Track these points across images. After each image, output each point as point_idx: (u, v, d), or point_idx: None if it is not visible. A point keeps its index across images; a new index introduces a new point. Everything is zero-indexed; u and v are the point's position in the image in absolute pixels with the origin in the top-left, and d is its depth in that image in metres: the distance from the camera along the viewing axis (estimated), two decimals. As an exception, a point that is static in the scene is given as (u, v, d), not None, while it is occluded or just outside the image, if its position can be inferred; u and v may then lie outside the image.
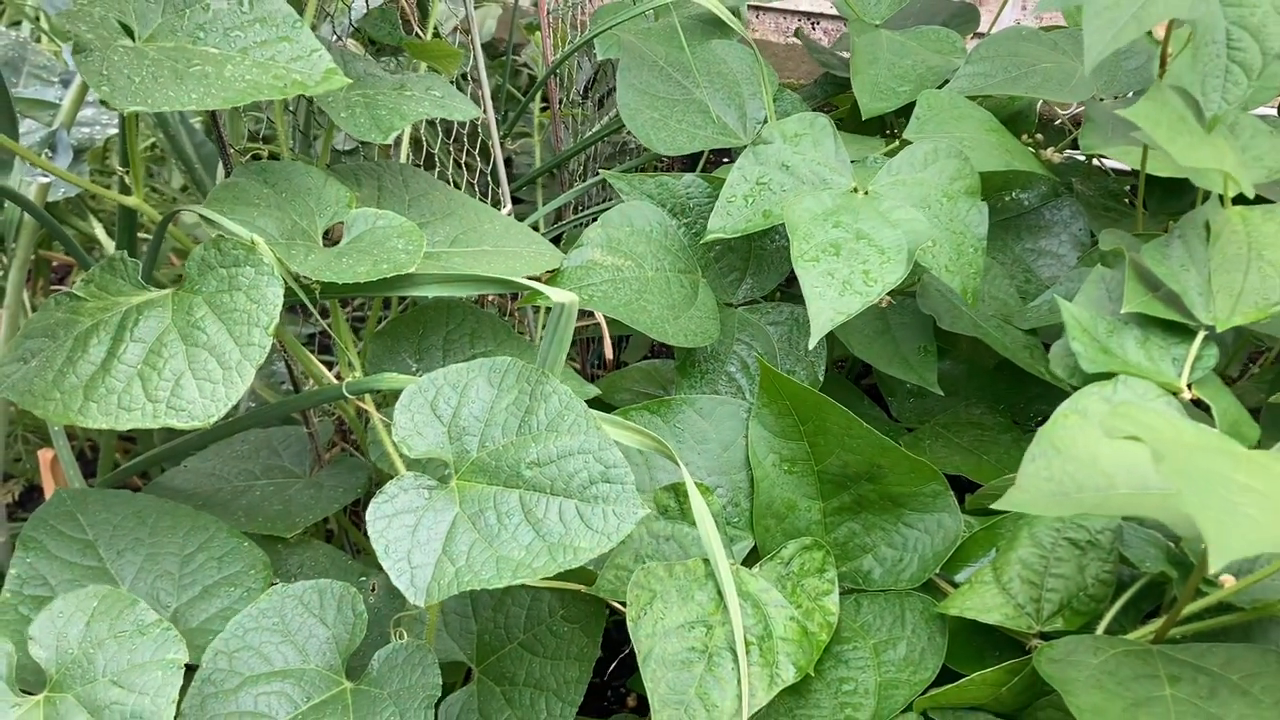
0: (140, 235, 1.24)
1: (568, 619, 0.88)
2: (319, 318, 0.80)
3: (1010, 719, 0.80)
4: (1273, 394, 0.98)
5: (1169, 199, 1.22)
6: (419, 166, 1.22)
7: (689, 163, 1.60)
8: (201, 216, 0.78)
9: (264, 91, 0.74)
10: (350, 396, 0.85)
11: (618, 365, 1.49)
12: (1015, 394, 1.19)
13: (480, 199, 1.33)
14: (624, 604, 0.80)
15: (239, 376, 0.73)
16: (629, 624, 0.77)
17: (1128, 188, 1.34)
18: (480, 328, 1.01)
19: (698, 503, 0.81)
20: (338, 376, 0.95)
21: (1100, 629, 0.80)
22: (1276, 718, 0.69)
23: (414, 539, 0.73)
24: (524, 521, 0.73)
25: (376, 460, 0.92)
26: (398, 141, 1.13)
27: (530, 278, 0.87)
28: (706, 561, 0.82)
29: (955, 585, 0.87)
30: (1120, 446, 0.67)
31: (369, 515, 0.73)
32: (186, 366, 0.73)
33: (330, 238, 0.87)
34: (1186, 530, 0.71)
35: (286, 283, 0.78)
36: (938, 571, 0.88)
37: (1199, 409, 0.87)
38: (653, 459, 0.94)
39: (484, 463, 0.76)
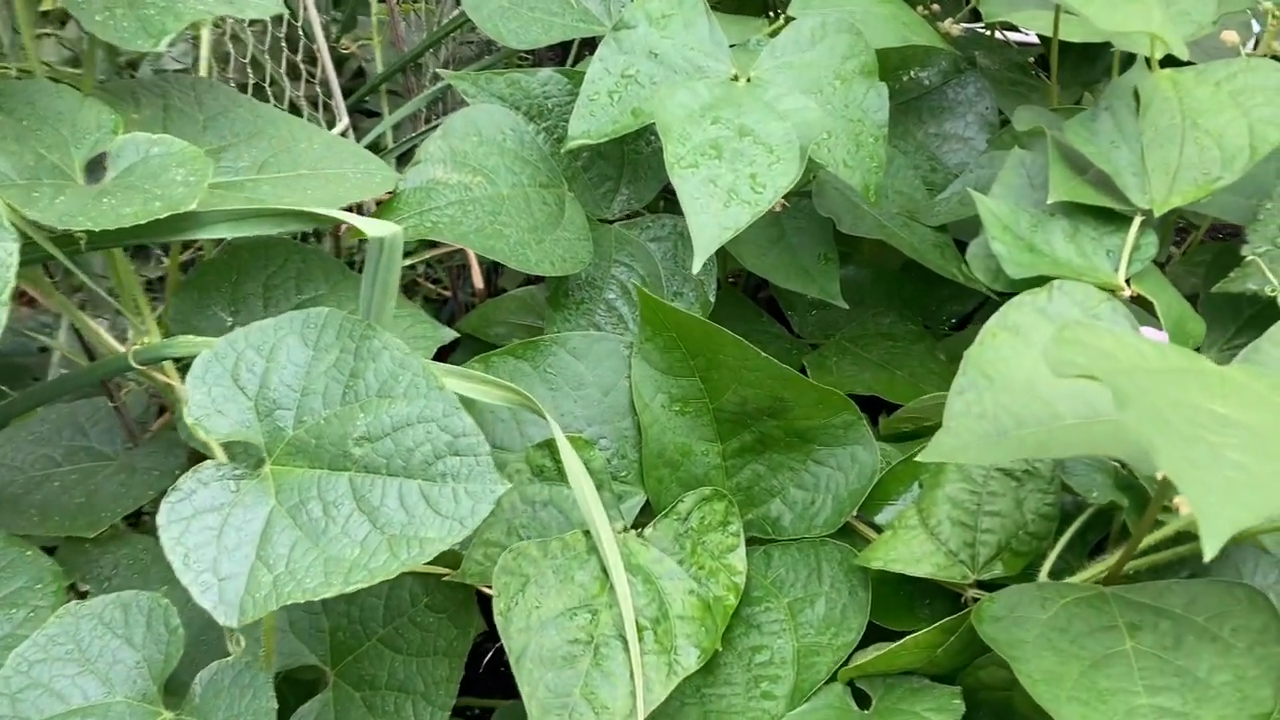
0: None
1: (433, 608, 0.75)
2: (82, 276, 0.64)
3: (948, 680, 0.70)
4: (1209, 278, 0.88)
5: (1082, 66, 1.10)
6: (232, 81, 1.05)
7: (559, 59, 1.44)
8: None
9: (-36, -11, 0.57)
10: (140, 367, 0.70)
11: (493, 293, 1.34)
12: (925, 296, 1.08)
13: (313, 114, 1.16)
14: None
15: (-32, 362, 0.58)
16: (497, 619, 0.65)
17: (1031, 59, 1.22)
18: (309, 268, 0.85)
19: (572, 462, 0.68)
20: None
21: (1044, 570, 0.69)
22: (1251, 664, 0.60)
23: (220, 544, 0.59)
24: (356, 511, 0.60)
25: (188, 439, 0.77)
26: (195, 51, 0.95)
27: (360, 205, 0.72)
28: (588, 533, 0.69)
29: (877, 529, 0.77)
30: (1067, 370, 0.55)
31: (160, 519, 0.59)
32: (-104, 354, 0.57)
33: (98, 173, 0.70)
34: (1149, 467, 0.61)
35: (30, 235, 0.62)
36: (855, 513, 0.77)
37: (1138, 306, 0.77)
38: (523, 412, 0.80)
39: (303, 442, 0.62)
